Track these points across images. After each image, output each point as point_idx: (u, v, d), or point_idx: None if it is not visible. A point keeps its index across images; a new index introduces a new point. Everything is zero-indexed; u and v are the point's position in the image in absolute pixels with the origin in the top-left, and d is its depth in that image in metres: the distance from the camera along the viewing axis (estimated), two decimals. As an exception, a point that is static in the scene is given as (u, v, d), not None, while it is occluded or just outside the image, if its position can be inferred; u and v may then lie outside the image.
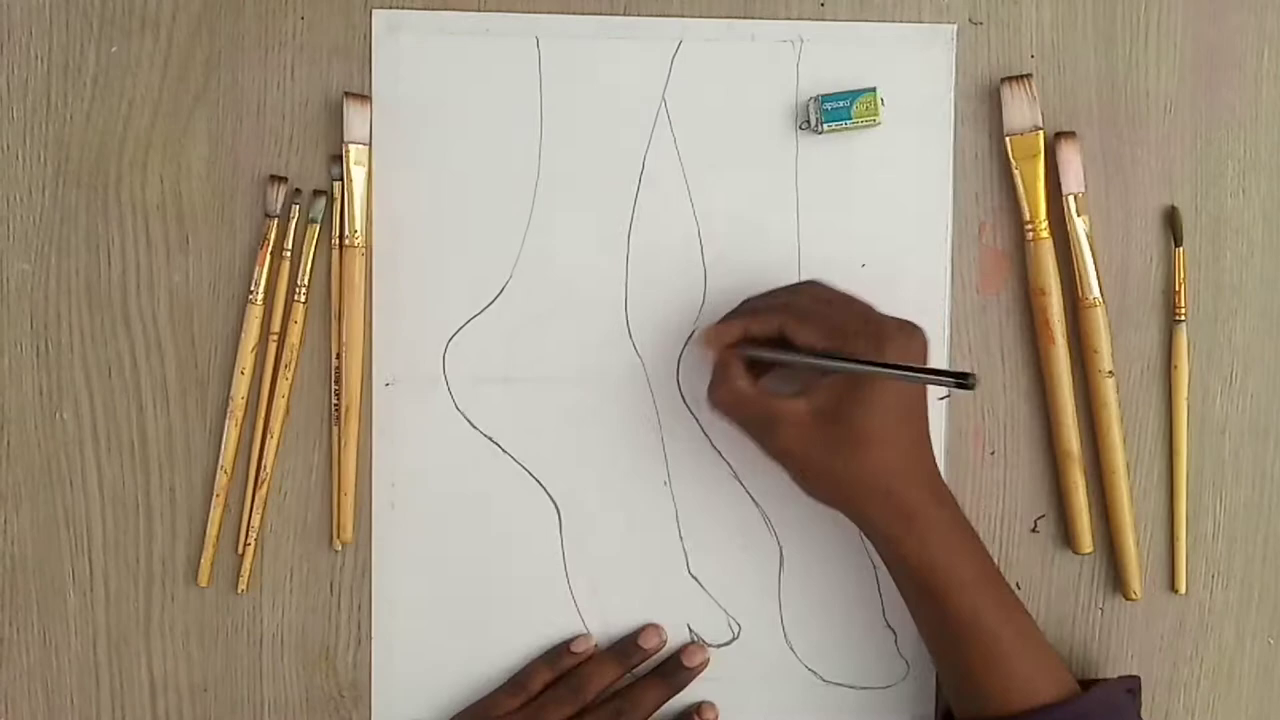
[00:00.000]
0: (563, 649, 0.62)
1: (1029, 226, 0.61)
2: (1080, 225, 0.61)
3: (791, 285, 0.59)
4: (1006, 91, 0.61)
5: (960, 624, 0.54)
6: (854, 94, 0.60)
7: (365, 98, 0.60)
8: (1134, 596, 0.62)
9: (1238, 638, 0.64)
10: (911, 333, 0.54)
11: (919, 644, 0.62)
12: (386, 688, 0.62)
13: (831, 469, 0.54)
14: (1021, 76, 0.61)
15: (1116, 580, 0.63)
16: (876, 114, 0.60)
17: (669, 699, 0.62)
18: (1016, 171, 0.61)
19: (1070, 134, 0.61)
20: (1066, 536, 0.63)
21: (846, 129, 0.61)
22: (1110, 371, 0.61)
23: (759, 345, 0.56)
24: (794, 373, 0.59)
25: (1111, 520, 0.62)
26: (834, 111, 0.60)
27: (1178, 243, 0.62)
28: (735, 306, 0.59)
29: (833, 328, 0.54)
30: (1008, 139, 0.61)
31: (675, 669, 0.62)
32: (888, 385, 0.53)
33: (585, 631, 0.62)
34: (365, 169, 0.60)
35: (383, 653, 0.62)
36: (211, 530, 0.61)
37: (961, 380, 0.49)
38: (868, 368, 0.52)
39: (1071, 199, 0.61)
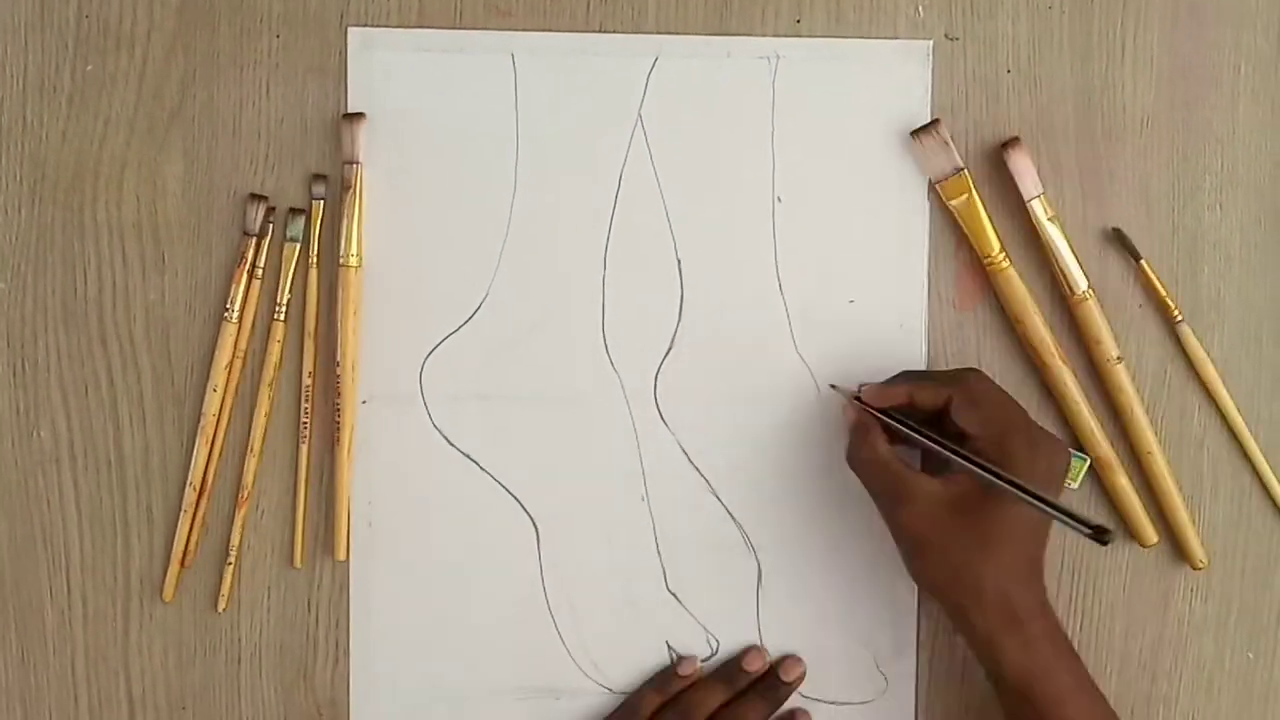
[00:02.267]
0: (670, 673, 0.62)
1: (988, 261, 0.61)
2: (1052, 229, 0.61)
3: (954, 370, 0.59)
4: (918, 144, 0.61)
5: None
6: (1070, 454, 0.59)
7: (361, 116, 0.60)
8: (1201, 565, 0.62)
9: (1217, 652, 0.64)
10: (1060, 449, 0.56)
11: (897, 659, 0.63)
12: (364, 705, 0.62)
13: (950, 559, 0.54)
14: (928, 126, 0.61)
15: (1179, 556, 0.63)
16: (1075, 480, 0.61)
17: (772, 715, 0.62)
18: (955, 216, 0.61)
19: (1014, 140, 0.61)
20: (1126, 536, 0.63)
21: None
22: (1118, 358, 0.61)
23: (902, 420, 0.57)
24: (922, 454, 0.60)
25: (1161, 500, 0.62)
26: None
27: (1136, 257, 0.62)
28: (892, 375, 0.59)
29: (995, 419, 0.55)
30: (936, 186, 0.61)
31: (774, 684, 0.62)
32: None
33: (564, 653, 0.63)
34: (357, 188, 0.60)
35: (361, 671, 0.62)
36: (178, 546, 0.61)
37: (1098, 535, 0.50)
38: (1010, 487, 0.52)
39: (1036, 203, 0.61)
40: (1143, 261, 0.62)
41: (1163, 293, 0.62)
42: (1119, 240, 0.62)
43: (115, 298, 0.61)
